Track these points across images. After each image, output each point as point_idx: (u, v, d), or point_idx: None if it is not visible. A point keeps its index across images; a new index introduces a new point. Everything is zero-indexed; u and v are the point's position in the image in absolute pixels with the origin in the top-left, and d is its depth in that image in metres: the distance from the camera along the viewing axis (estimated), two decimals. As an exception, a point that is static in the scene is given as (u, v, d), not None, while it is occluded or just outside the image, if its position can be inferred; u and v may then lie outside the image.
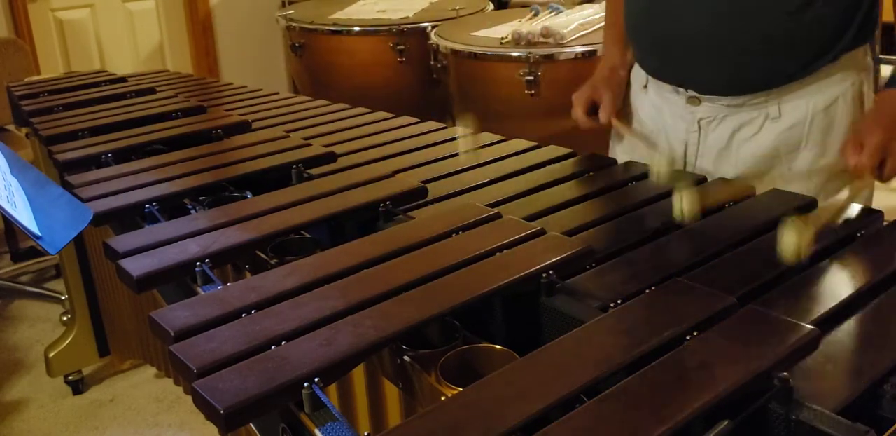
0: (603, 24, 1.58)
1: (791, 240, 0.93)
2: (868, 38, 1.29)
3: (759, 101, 1.29)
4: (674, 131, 1.38)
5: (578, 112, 1.41)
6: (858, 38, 1.26)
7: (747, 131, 1.31)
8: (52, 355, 2.31)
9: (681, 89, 1.34)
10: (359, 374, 0.94)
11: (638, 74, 1.45)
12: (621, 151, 1.50)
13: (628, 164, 1.35)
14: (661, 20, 1.31)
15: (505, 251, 0.97)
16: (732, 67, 1.27)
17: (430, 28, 2.96)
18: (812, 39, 1.23)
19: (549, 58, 2.48)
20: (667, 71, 1.35)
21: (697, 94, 1.32)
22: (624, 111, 1.48)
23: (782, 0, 1.20)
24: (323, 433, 0.73)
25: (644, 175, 1.28)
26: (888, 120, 1.15)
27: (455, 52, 2.69)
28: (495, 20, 2.95)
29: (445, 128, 1.60)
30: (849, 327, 0.82)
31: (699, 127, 1.34)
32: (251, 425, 0.87)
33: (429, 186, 1.23)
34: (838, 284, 0.89)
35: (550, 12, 2.84)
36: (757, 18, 1.22)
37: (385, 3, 3.37)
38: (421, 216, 1.13)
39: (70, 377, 2.34)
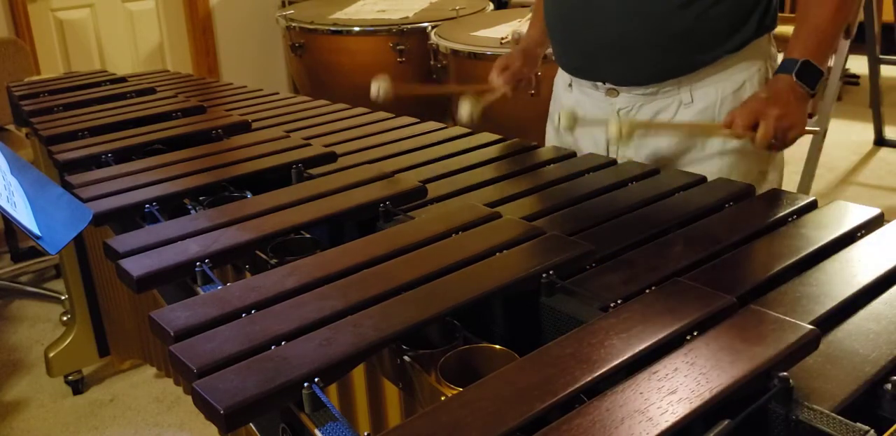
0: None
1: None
2: (770, 28, 1.42)
3: (670, 88, 1.40)
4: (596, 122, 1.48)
5: (493, 74, 1.58)
6: (760, 29, 1.39)
7: (663, 117, 1.42)
8: (52, 355, 2.31)
9: (599, 84, 1.45)
10: (359, 374, 0.94)
11: (562, 76, 1.57)
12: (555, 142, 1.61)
13: (629, 164, 1.35)
14: (575, 24, 1.43)
15: (505, 251, 0.97)
16: (642, 61, 1.38)
17: (430, 28, 2.97)
18: (708, 32, 1.35)
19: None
20: (585, 68, 1.47)
21: (615, 87, 1.43)
22: (553, 109, 1.63)
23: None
24: (323, 433, 0.73)
25: (645, 175, 1.28)
26: (767, 94, 1.29)
27: (455, 52, 2.69)
28: (495, 20, 2.95)
29: (445, 128, 1.60)
30: (849, 326, 0.82)
31: (619, 117, 1.44)
32: (251, 425, 0.87)
33: (429, 186, 1.23)
34: (838, 284, 0.89)
35: (550, 12, 2.83)
36: (655, 16, 1.34)
37: (385, 3, 3.37)
38: (421, 216, 1.13)
39: (70, 377, 2.33)
